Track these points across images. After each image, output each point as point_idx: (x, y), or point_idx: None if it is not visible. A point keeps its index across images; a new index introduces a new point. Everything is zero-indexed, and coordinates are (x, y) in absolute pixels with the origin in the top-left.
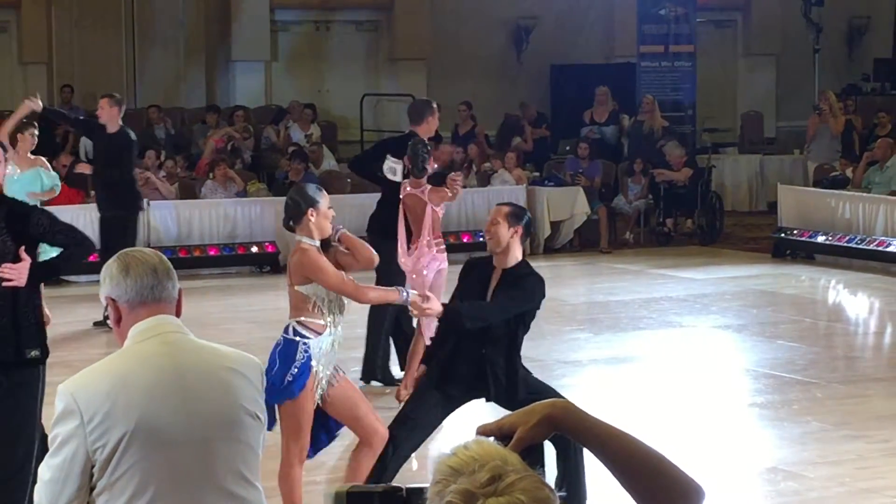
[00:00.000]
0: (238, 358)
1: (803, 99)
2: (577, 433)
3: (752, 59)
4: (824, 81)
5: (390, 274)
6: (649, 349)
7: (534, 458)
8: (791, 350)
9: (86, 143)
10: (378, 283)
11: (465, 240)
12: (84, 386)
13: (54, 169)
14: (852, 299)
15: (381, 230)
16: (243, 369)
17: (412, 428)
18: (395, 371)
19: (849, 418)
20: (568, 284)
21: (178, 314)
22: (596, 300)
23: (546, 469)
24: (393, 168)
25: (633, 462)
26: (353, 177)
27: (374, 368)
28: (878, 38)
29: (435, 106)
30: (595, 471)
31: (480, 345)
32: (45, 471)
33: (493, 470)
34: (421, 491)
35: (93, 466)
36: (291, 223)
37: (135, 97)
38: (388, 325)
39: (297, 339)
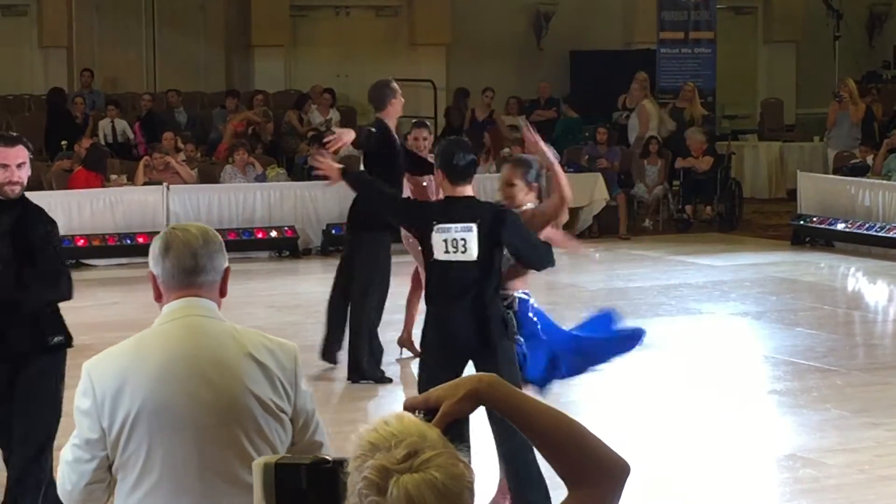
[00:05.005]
0: (261, 344)
1: (823, 86)
2: (502, 408)
3: (772, 45)
4: (844, 69)
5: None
6: (668, 336)
7: (457, 433)
8: (810, 337)
9: (105, 127)
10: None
11: None
12: (99, 365)
13: (74, 152)
14: (871, 287)
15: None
16: (262, 356)
17: None
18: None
19: (868, 406)
20: (587, 270)
21: (222, 293)
22: (615, 286)
23: (470, 444)
24: None
25: (557, 436)
26: None
27: (360, 368)
28: None
29: (395, 86)
30: None
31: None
32: (68, 451)
33: (410, 446)
34: (346, 462)
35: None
36: None
37: (154, 81)
38: (372, 323)
39: None
